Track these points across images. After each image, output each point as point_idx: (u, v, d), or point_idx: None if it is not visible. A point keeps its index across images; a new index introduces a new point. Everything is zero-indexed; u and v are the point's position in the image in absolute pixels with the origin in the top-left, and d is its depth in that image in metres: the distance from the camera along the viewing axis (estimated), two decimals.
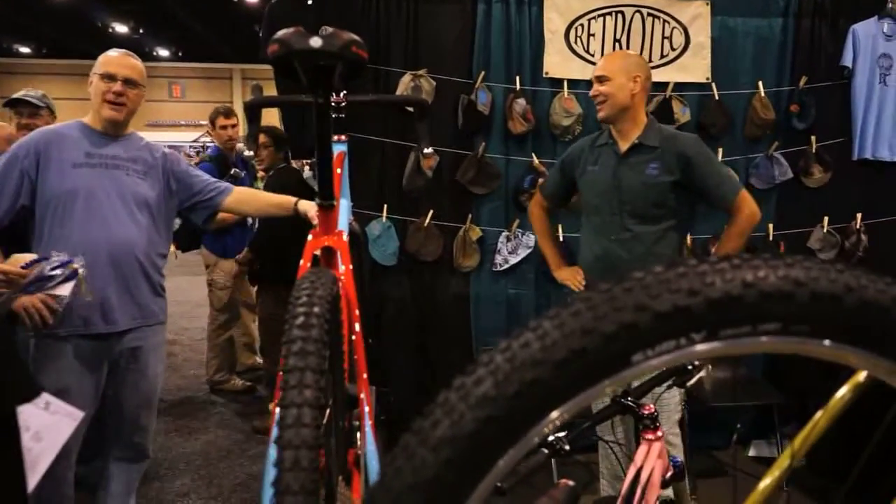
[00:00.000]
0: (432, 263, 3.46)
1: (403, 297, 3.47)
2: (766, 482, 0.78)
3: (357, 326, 1.12)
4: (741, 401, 3.36)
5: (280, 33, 0.99)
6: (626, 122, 2.51)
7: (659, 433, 1.45)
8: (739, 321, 0.56)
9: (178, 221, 4.58)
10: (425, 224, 3.42)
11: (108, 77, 2.28)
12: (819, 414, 0.81)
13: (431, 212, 3.42)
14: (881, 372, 0.59)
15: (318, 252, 1.14)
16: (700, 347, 0.55)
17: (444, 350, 3.48)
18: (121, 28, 22.49)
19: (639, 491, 1.33)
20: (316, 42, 0.96)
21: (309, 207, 2.27)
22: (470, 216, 3.44)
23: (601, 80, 2.52)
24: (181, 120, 28.32)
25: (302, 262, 1.14)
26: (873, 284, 0.56)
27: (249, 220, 4.09)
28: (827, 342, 0.57)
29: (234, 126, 4.46)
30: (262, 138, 3.81)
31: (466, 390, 0.58)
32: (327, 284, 0.87)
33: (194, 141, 20.12)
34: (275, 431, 0.87)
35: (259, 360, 5.17)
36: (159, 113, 29.18)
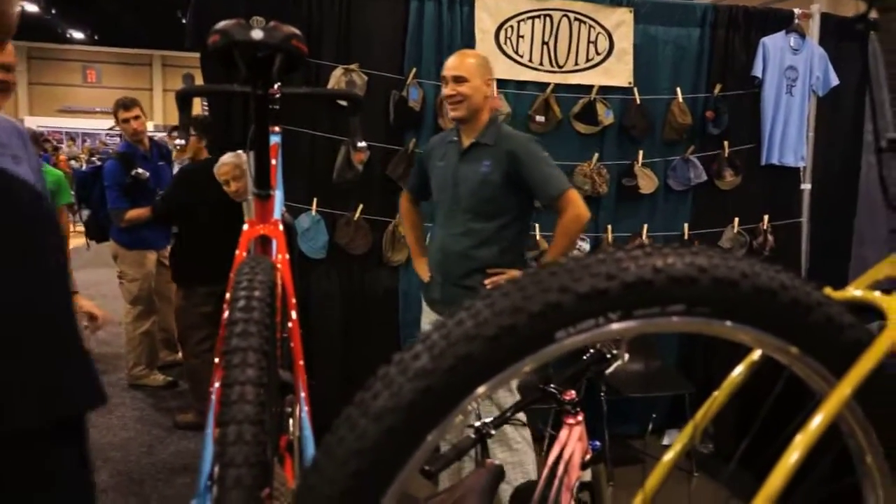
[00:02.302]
0: (361, 257, 3.49)
1: (332, 290, 3.48)
2: (669, 456, 0.86)
3: (293, 314, 1.14)
4: (655, 391, 3.53)
5: (221, 24, 1.01)
6: (472, 121, 2.60)
7: (579, 417, 1.53)
8: (650, 302, 0.62)
9: (86, 212, 4.43)
10: (355, 218, 3.44)
11: (6, 68, 2.21)
12: (717, 392, 0.89)
13: (361, 206, 3.44)
14: (770, 349, 0.68)
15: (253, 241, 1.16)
16: (616, 326, 0.62)
17: (370, 342, 3.51)
18: (31, 7, 21.40)
19: (560, 471, 1.41)
20: (257, 34, 0.99)
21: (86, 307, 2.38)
22: (399, 211, 3.48)
23: (459, 80, 2.55)
24: (96, 106, 27.11)
25: (238, 251, 1.16)
26: (765, 272, 0.64)
27: None
28: (728, 323, 0.65)
29: (136, 118, 4.25)
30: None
31: (405, 364, 0.63)
32: (266, 271, 0.90)
33: (110, 129, 19.34)
34: (210, 415, 0.89)
35: (179, 355, 5.05)
36: (72, 98, 27.86)
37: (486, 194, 2.55)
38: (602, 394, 3.21)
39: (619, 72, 3.71)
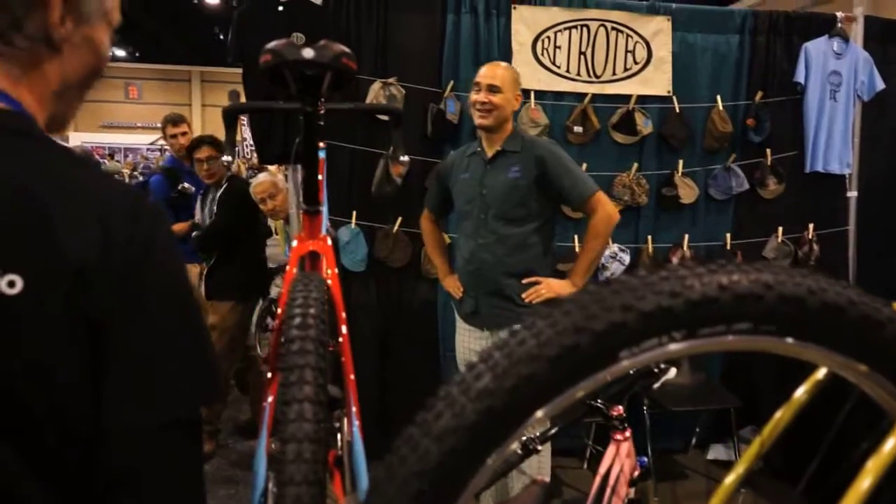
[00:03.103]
0: (400, 269, 3.50)
1: (371, 302, 3.50)
2: (731, 478, 0.84)
3: (344, 329, 1.15)
4: (699, 405, 3.47)
5: (273, 44, 1.02)
6: (497, 132, 2.63)
7: (627, 434, 1.51)
8: (716, 321, 0.61)
9: None
10: (394, 231, 3.45)
11: None
12: (781, 410, 0.87)
13: (400, 219, 3.45)
14: (837, 367, 0.66)
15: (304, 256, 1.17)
16: (680, 345, 0.61)
17: (410, 355, 3.51)
18: None
19: (609, 488, 1.39)
20: (308, 53, 1.00)
21: None
22: None
23: (493, 89, 2.58)
24: (138, 122, 27.76)
25: (289, 266, 1.17)
26: (832, 288, 0.63)
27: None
28: (790, 340, 0.64)
29: (184, 134, 4.39)
30: (207, 150, 3.75)
31: (467, 384, 0.62)
32: (319, 287, 0.91)
33: (151, 144, 19.79)
34: (263, 433, 0.90)
35: None
36: (115, 114, 28.58)
37: (515, 199, 2.57)
38: (645, 408, 3.16)
39: (657, 81, 3.68)
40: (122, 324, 0.74)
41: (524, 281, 2.55)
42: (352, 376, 1.13)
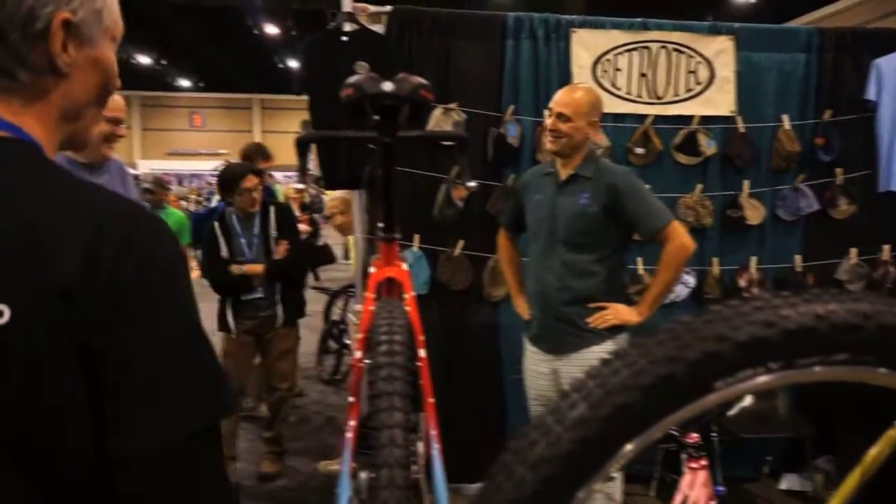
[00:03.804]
0: (462, 292, 3.51)
1: (433, 325, 3.51)
2: None
3: (422, 352, 1.17)
4: (771, 432, 3.36)
5: (354, 78, 1.06)
6: (571, 156, 2.61)
7: (703, 462, 1.48)
8: (813, 351, 0.61)
9: (200, 251, 4.69)
10: (456, 254, 3.48)
11: (115, 121, 2.42)
12: (854, 473, 0.84)
13: (462, 242, 3.48)
14: None
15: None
16: (776, 376, 0.60)
17: (472, 378, 3.51)
18: (144, 60, 23.03)
19: None
20: (388, 86, 1.03)
21: None
22: None
23: (563, 117, 2.55)
24: (201, 149, 28.76)
25: (367, 293, 1.20)
26: None
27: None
28: (883, 370, 0.63)
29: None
30: (254, 178, 3.70)
31: (562, 413, 0.63)
32: (403, 314, 0.93)
33: (214, 170, 20.40)
34: (346, 456, 0.92)
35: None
36: (180, 142, 29.65)
37: (583, 226, 2.55)
38: (713, 434, 3.08)
39: (720, 101, 3.63)
40: (115, 345, 0.73)
41: (591, 305, 2.53)
42: (431, 399, 1.15)
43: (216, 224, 3.71)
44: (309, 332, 6.53)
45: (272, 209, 3.81)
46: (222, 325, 3.68)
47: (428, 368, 1.17)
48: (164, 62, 23.96)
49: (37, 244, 0.72)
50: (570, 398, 0.63)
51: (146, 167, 23.87)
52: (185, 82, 28.44)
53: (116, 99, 2.48)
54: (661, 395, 0.61)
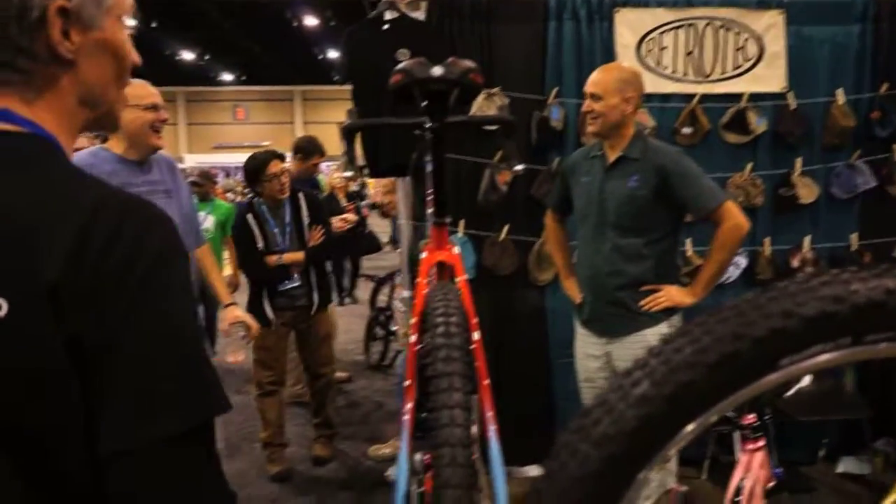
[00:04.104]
0: (508, 277, 3.51)
1: (480, 310, 3.47)
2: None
3: (476, 335, 1.18)
4: (828, 414, 3.28)
5: (403, 64, 1.07)
6: (615, 136, 2.57)
7: (760, 443, 1.46)
8: (883, 327, 0.59)
9: None
10: (501, 238, 3.48)
11: (154, 107, 2.44)
12: None
13: (507, 226, 3.47)
14: None
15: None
16: (844, 352, 0.59)
17: (519, 363, 3.51)
18: (188, 55, 23.44)
19: (744, 499, 1.35)
20: (437, 71, 1.04)
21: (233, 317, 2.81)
22: (545, 230, 3.47)
23: (595, 97, 2.54)
24: (245, 141, 29.16)
25: (419, 277, 1.21)
26: None
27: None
28: None
29: (315, 165, 4.70)
30: (279, 163, 3.68)
31: (625, 391, 0.63)
32: (457, 296, 0.94)
33: None
34: (404, 437, 0.93)
35: (341, 373, 5.32)
36: (224, 135, 30.13)
37: (634, 210, 2.52)
38: (767, 416, 3.03)
39: (770, 77, 3.53)
40: (103, 340, 0.73)
41: (643, 288, 2.51)
42: (486, 381, 1.16)
43: (249, 216, 3.67)
44: (356, 320, 6.62)
45: (300, 196, 3.79)
46: (260, 318, 3.51)
47: (482, 351, 1.18)
48: (207, 57, 24.35)
49: (31, 240, 0.72)
50: (632, 376, 0.63)
51: (193, 161, 24.35)
52: (227, 76, 28.87)
53: (147, 87, 2.50)
54: (725, 373, 0.60)
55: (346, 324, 6.49)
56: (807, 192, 3.51)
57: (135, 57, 0.89)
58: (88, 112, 0.85)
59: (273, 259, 3.63)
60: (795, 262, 3.52)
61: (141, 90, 2.47)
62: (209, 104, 30.66)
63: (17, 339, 0.71)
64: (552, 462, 0.65)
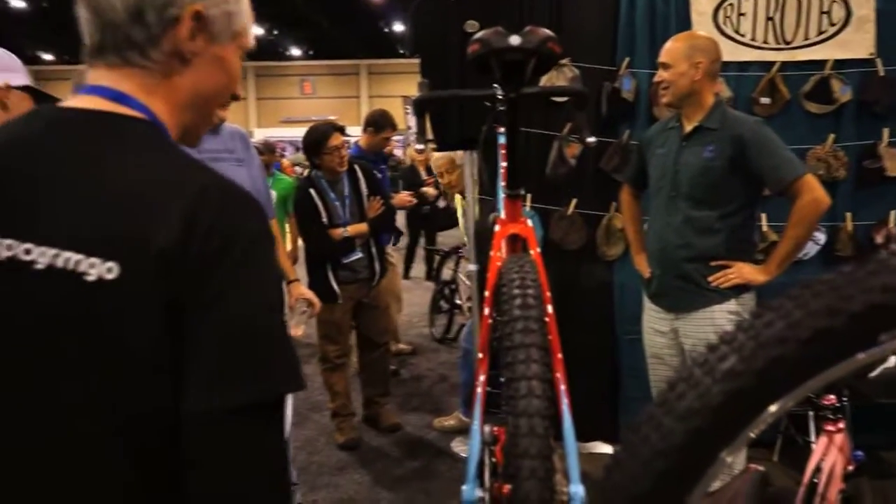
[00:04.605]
0: (576, 252, 3.47)
1: (548, 284, 3.50)
2: None
3: (549, 308, 1.17)
4: None
5: (481, 33, 1.06)
6: (691, 106, 2.52)
7: (840, 425, 1.41)
8: None
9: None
10: (569, 212, 3.43)
11: None
12: None
13: (575, 200, 3.43)
14: None
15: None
16: None
17: (586, 337, 3.47)
18: (257, 31, 23.84)
19: (822, 483, 1.31)
20: (515, 40, 1.02)
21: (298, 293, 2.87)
22: (614, 204, 3.41)
23: (664, 66, 2.52)
24: (312, 115, 29.52)
25: (493, 251, 1.21)
26: None
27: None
28: None
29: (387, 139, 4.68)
30: (339, 136, 3.66)
31: (711, 365, 0.62)
32: (534, 268, 0.93)
33: None
34: (477, 409, 0.94)
35: (404, 346, 5.39)
36: (292, 109, 30.62)
37: (708, 181, 2.46)
38: (845, 399, 2.92)
39: (857, 42, 3.35)
40: (199, 310, 0.79)
41: (713, 263, 2.45)
42: (559, 355, 1.15)
43: (311, 191, 3.67)
44: (422, 292, 6.69)
45: (357, 168, 3.80)
46: (326, 293, 3.50)
47: (556, 324, 1.17)
48: (276, 32, 24.73)
49: (145, 211, 0.81)
50: (718, 350, 0.62)
51: (261, 135, 24.86)
52: (296, 51, 29.26)
53: None
54: (818, 350, 0.58)
55: (412, 297, 6.56)
56: (894, 164, 3.33)
57: (238, 88, 1.00)
58: (190, 115, 0.95)
59: (338, 232, 3.64)
60: (879, 239, 3.36)
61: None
62: (277, 79, 31.18)
63: (125, 299, 0.79)
64: (633, 435, 0.64)
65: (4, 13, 18.76)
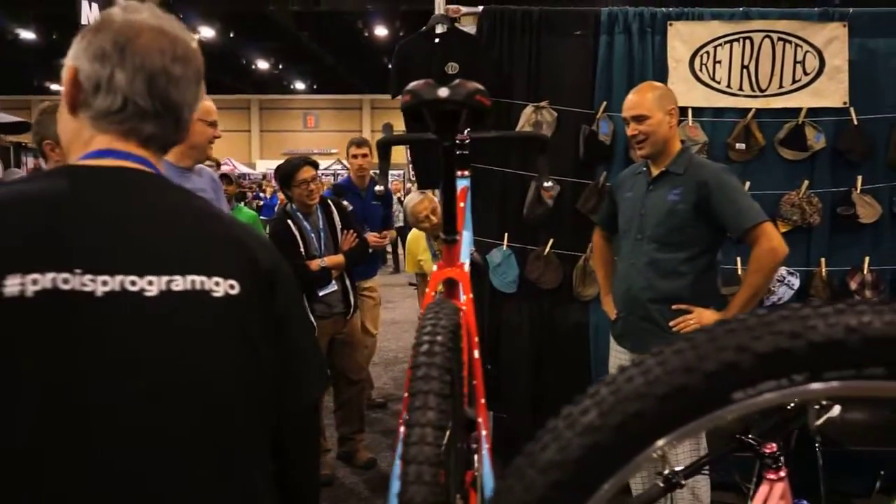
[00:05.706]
0: (552, 291, 3.49)
1: (522, 324, 3.52)
2: None
3: (476, 353, 1.19)
4: (882, 444, 3.13)
5: (412, 85, 1.09)
6: (661, 153, 2.55)
7: (781, 473, 1.41)
8: (842, 364, 0.58)
9: None
10: (545, 252, 3.46)
11: (214, 124, 2.53)
12: None
13: (552, 240, 3.46)
14: None
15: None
16: (802, 388, 0.58)
17: (561, 377, 3.49)
18: (263, 64, 24.17)
19: None
20: (443, 92, 1.05)
21: None
22: (590, 245, 3.44)
23: (640, 119, 2.52)
24: (314, 148, 29.77)
25: (427, 291, 1.23)
26: None
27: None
28: None
29: (364, 156, 4.54)
30: (310, 170, 3.69)
31: (573, 419, 0.63)
32: (450, 315, 0.95)
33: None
34: (399, 448, 0.95)
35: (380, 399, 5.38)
36: (295, 142, 30.88)
37: (673, 223, 2.50)
38: (817, 446, 2.91)
39: (831, 91, 3.42)
40: (289, 323, 1.03)
41: (675, 307, 2.47)
42: (482, 400, 1.16)
43: (290, 222, 3.68)
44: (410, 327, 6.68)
45: (330, 202, 3.84)
46: None
47: (482, 370, 1.19)
48: (281, 66, 25.06)
49: (240, 238, 1.03)
50: (581, 405, 0.64)
51: (263, 167, 25.09)
52: (299, 85, 29.63)
53: (211, 104, 2.67)
54: (674, 405, 0.60)
55: (404, 333, 6.57)
56: (868, 211, 3.37)
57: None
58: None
59: (316, 263, 3.64)
60: (854, 284, 3.38)
61: (208, 107, 2.61)
62: (281, 112, 31.54)
63: (247, 311, 0.98)
64: (501, 484, 0.65)
65: (14, 44, 19.08)
